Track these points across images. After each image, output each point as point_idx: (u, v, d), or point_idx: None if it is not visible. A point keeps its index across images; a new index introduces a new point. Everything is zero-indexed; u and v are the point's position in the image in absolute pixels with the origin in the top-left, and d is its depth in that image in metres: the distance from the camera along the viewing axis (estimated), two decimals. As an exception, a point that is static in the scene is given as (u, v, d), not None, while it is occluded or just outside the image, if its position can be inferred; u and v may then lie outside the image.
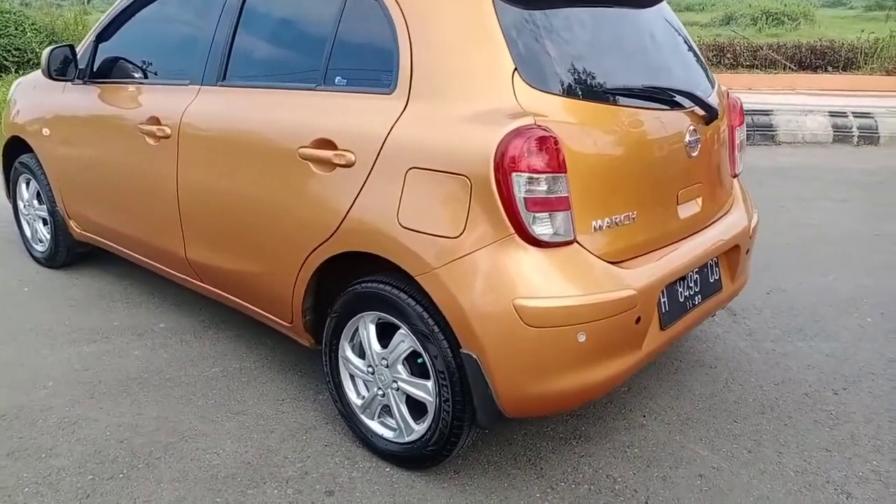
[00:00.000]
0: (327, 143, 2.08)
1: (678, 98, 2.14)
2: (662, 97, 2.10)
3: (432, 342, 1.91)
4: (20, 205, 4.00)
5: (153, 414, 2.52)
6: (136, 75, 3.08)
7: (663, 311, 2.06)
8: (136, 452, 2.29)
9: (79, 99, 3.27)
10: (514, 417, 1.93)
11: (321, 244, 2.12)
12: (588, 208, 1.84)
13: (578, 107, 1.87)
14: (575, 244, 1.81)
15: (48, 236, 3.84)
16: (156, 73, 3.01)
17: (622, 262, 1.92)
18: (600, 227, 1.88)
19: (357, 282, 2.11)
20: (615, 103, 1.95)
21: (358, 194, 1.99)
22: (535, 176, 1.73)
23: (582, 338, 1.77)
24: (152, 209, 2.89)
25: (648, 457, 2.23)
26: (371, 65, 2.06)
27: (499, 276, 1.73)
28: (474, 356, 1.80)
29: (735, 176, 2.56)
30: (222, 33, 2.54)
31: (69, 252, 3.83)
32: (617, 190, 1.94)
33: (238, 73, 2.55)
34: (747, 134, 7.32)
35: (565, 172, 1.77)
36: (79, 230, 3.58)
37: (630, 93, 2.02)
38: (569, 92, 1.86)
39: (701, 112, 2.20)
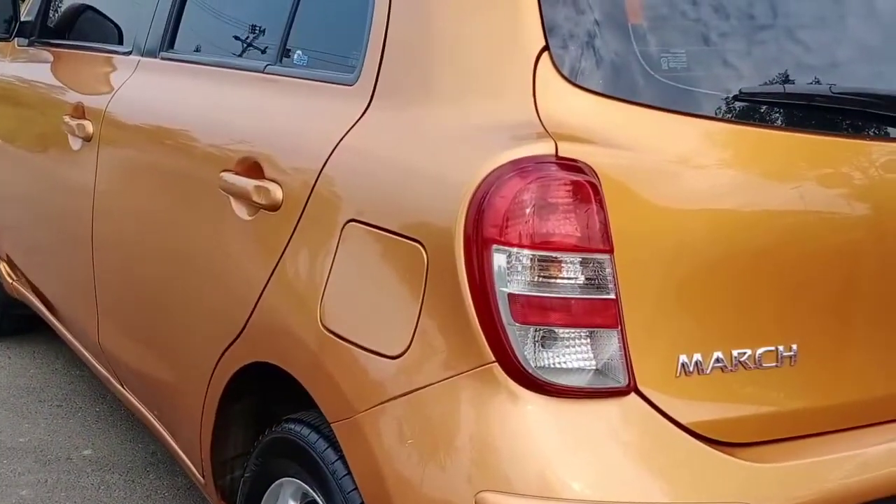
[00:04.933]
0: (254, 168, 2.18)
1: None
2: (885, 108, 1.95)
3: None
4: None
5: None
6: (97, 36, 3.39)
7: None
8: None
9: (15, 69, 3.69)
10: None
11: (230, 344, 2.21)
12: (674, 326, 1.77)
13: (672, 126, 1.79)
14: (632, 397, 1.72)
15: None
16: (104, 36, 3.31)
17: (748, 445, 1.80)
18: (699, 370, 1.77)
19: (280, 421, 2.17)
20: (771, 124, 1.87)
21: (278, 262, 2.06)
22: (546, 256, 1.66)
23: None
24: (67, 256, 3.15)
25: None
26: (339, 38, 2.24)
27: (455, 445, 1.69)
28: None
29: None
30: None
31: (4, 314, 4.22)
32: (752, 295, 1.83)
33: (190, 40, 2.76)
34: None
35: (611, 252, 1.68)
36: (10, 281, 3.95)
37: (814, 100, 1.92)
38: (655, 94, 1.78)
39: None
